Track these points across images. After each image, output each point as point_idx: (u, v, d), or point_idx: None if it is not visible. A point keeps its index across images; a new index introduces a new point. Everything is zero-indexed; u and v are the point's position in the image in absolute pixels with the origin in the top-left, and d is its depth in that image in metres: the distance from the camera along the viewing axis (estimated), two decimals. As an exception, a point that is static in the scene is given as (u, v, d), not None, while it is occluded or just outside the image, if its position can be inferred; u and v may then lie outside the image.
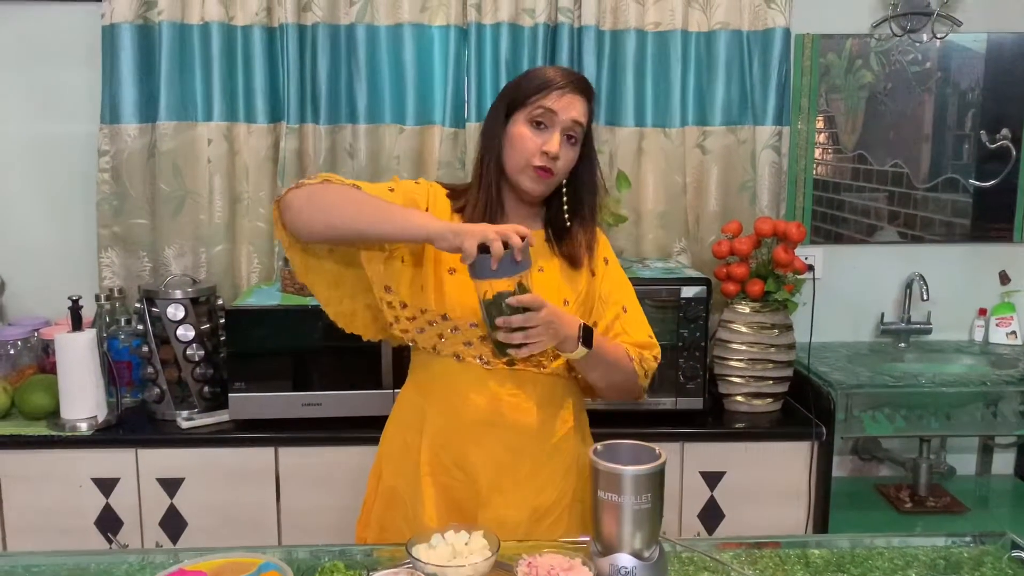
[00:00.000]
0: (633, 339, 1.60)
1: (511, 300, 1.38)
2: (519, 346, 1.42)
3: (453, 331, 1.52)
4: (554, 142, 1.48)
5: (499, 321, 1.39)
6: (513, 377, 1.53)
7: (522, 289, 1.39)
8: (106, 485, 2.12)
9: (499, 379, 1.52)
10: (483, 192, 1.54)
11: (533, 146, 1.49)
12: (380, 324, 1.61)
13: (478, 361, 1.52)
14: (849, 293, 2.70)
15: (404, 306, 1.53)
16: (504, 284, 1.38)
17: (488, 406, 1.52)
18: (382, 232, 1.41)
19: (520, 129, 1.50)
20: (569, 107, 1.49)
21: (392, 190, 1.53)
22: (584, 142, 1.54)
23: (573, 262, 1.57)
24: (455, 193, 1.59)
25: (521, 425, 1.53)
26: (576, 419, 1.62)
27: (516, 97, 1.51)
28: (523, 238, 1.35)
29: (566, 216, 1.57)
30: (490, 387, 1.52)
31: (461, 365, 1.52)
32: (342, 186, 1.46)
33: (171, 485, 2.12)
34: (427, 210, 1.53)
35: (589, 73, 2.45)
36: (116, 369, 2.26)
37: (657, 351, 1.63)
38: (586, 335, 1.47)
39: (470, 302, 1.47)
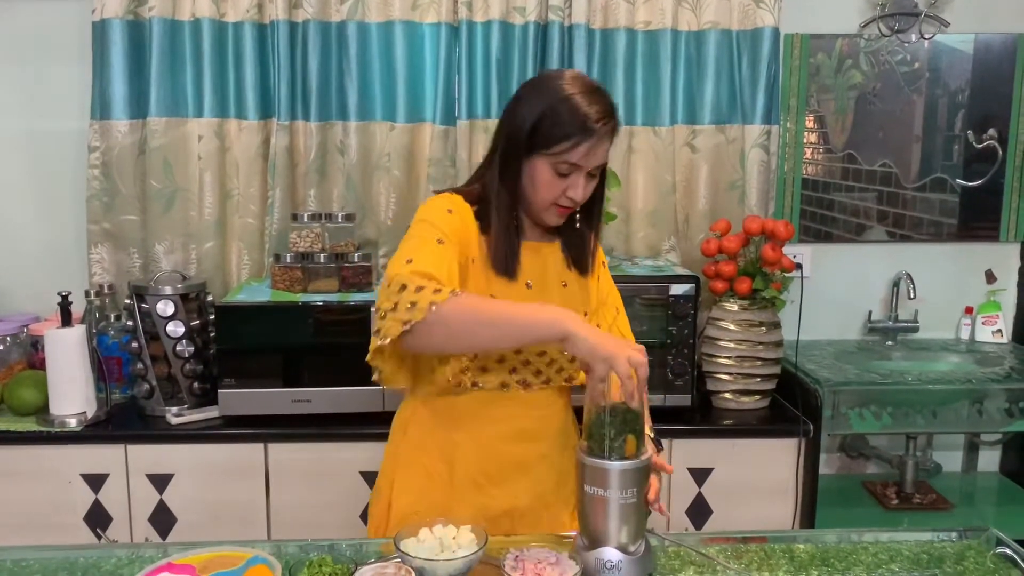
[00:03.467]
0: None
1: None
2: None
3: (500, 361, 1.50)
4: (579, 190, 1.45)
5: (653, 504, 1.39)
6: (544, 392, 1.55)
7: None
8: (95, 481, 2.12)
9: (535, 398, 1.54)
10: (503, 216, 1.48)
11: (556, 191, 1.45)
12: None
13: (520, 386, 1.52)
14: (837, 291, 2.72)
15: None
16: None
17: (530, 426, 1.54)
18: (521, 344, 1.42)
19: (543, 174, 1.44)
20: (595, 156, 1.43)
21: (441, 242, 1.41)
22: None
23: (583, 270, 1.58)
24: (473, 205, 1.51)
25: (553, 432, 1.57)
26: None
27: (539, 138, 1.42)
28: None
29: (577, 224, 1.55)
30: (527, 406, 1.53)
31: (503, 394, 1.51)
32: (469, 307, 1.31)
33: (160, 481, 2.13)
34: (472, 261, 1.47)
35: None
36: (106, 365, 2.25)
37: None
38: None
39: None
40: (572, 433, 1.64)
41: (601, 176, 1.53)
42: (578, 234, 1.57)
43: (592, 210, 1.56)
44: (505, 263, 1.48)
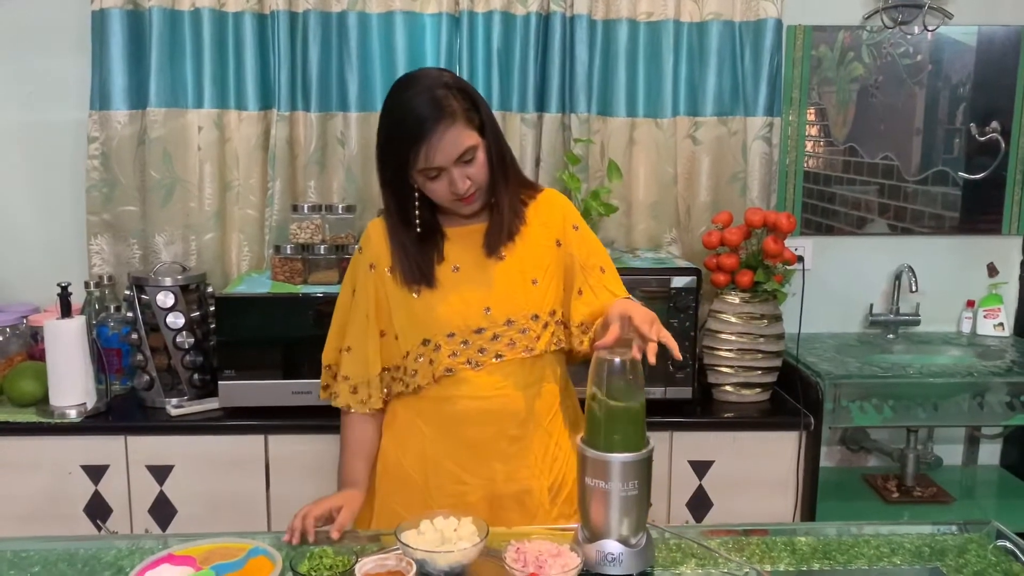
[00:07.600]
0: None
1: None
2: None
3: (436, 350, 1.53)
4: (457, 183, 1.45)
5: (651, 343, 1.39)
6: (500, 368, 1.54)
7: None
8: (95, 472, 2.11)
9: (489, 375, 1.53)
10: (397, 235, 1.55)
11: (444, 191, 1.47)
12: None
13: (468, 365, 1.52)
14: (838, 284, 2.71)
15: (404, 360, 1.58)
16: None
17: (484, 405, 1.53)
18: None
19: (422, 185, 1.49)
20: (446, 149, 1.42)
21: (354, 292, 1.63)
22: (481, 133, 1.48)
23: (490, 249, 1.54)
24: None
25: (515, 411, 1.55)
26: (564, 391, 1.64)
27: (392, 163, 1.48)
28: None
29: (492, 201, 1.55)
30: (481, 386, 1.53)
31: (453, 378, 1.53)
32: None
33: (161, 472, 2.12)
34: (372, 267, 1.59)
35: (581, 62, 2.45)
36: (105, 356, 2.25)
37: None
38: None
39: (442, 314, 1.52)
40: (563, 417, 1.63)
41: (488, 147, 1.48)
42: (495, 207, 1.55)
43: (495, 183, 1.52)
44: (417, 276, 1.54)
